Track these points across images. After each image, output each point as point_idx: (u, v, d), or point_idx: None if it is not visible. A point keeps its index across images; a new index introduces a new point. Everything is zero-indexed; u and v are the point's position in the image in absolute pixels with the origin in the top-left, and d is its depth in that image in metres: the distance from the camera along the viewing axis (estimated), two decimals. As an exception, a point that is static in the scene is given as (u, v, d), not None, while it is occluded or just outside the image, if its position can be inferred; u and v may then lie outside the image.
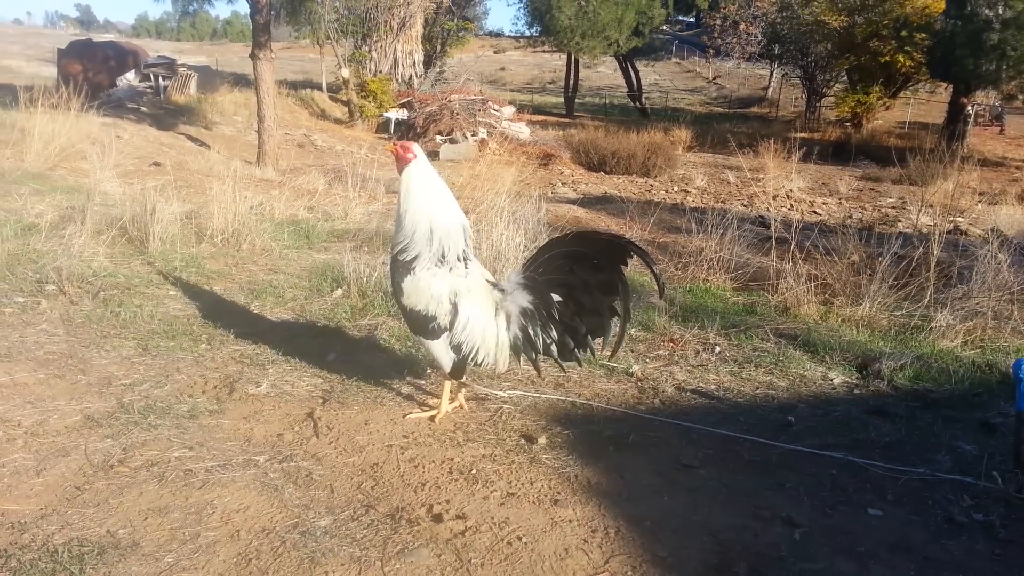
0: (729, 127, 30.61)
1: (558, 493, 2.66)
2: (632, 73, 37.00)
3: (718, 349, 4.49)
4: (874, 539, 2.46)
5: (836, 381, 4.09)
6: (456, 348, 3.12)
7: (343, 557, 2.24)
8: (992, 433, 3.46)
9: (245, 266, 5.66)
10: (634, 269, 6.25)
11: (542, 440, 3.06)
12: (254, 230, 6.22)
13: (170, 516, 2.42)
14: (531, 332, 3.15)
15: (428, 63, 30.27)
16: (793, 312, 5.51)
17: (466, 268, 3.15)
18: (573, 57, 34.20)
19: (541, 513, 2.52)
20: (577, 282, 3.09)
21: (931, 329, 5.09)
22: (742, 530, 2.48)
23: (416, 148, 3.21)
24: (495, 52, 56.57)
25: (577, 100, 36.42)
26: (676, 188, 17.31)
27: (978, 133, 29.04)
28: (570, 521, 2.48)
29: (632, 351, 4.39)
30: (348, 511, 2.50)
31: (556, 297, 3.12)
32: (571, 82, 35.50)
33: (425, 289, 3.07)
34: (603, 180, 18.12)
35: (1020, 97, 25.17)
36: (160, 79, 21.09)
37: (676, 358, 4.30)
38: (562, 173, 18.54)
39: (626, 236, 3.52)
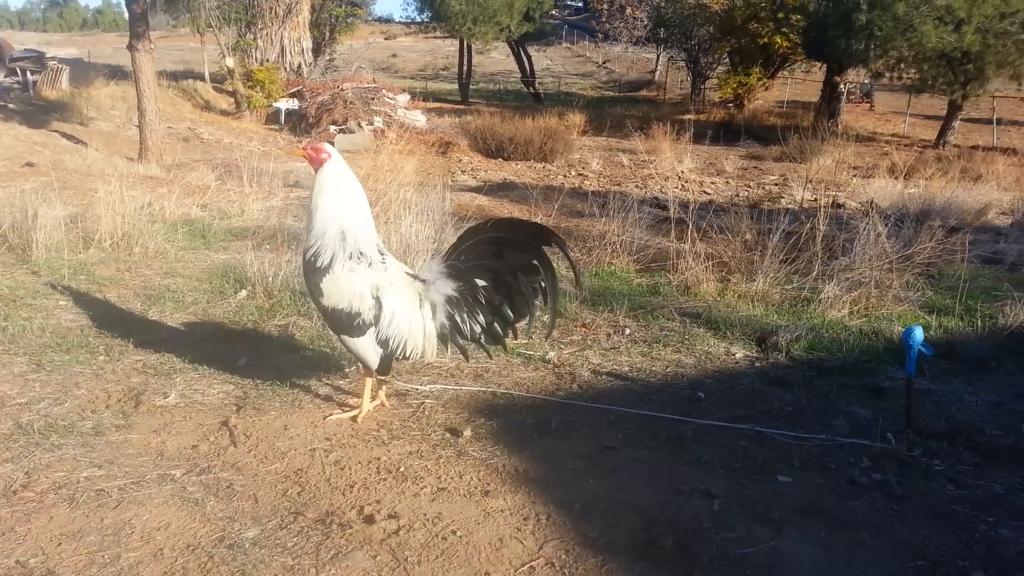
0: (621, 110, 31.34)
1: (488, 484, 2.70)
2: (524, 58, 37.20)
3: (628, 331, 4.63)
4: (786, 505, 2.62)
5: (738, 355, 4.29)
6: (383, 343, 3.10)
7: (275, 567, 2.21)
8: (882, 396, 3.71)
9: (139, 271, 5.41)
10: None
11: (467, 433, 3.09)
12: (145, 232, 5.95)
13: (86, 540, 2.31)
14: (458, 319, 3.17)
15: (317, 51, 29.49)
16: (694, 291, 5.72)
17: (383, 262, 3.13)
18: (465, 43, 34.07)
19: (473, 505, 2.55)
20: (501, 266, 3.13)
21: (820, 301, 5.40)
22: (665, 505, 2.58)
23: (328, 147, 3.16)
24: (385, 38, 55.73)
25: (471, 86, 36.34)
26: (574, 172, 17.58)
27: (850, 110, 30.70)
28: (502, 511, 2.52)
29: (546, 338, 4.46)
30: (275, 520, 2.46)
31: (481, 282, 3.15)
32: (464, 68, 35.37)
33: (346, 287, 3.04)
34: (502, 166, 18.21)
35: (887, 75, 26.69)
36: (28, 74, 19.73)
37: (589, 342, 4.41)
38: (460, 161, 18.52)
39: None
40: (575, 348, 4.28)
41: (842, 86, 28.94)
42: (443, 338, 3.20)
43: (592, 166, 18.40)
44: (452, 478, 2.74)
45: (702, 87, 34.41)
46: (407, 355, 3.16)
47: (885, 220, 7.26)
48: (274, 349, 4.04)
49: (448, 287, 3.17)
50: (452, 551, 2.29)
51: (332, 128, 21.44)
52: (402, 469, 2.79)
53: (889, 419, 3.36)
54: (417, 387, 3.59)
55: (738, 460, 2.95)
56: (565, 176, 17.08)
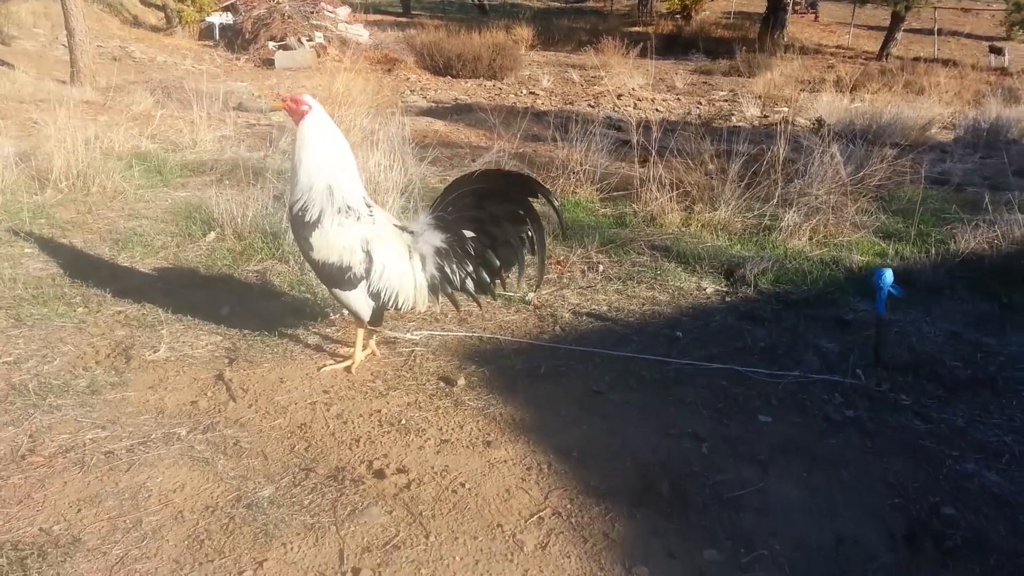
0: (568, 23, 30.70)
1: (488, 434, 2.81)
2: (468, -33, 35.88)
3: (601, 268, 4.74)
4: (768, 444, 2.80)
5: (709, 290, 4.45)
6: (375, 295, 3.15)
7: (296, 526, 2.30)
8: (847, 329, 3.92)
9: (100, 212, 5.28)
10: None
11: (461, 382, 3.18)
12: (101, 170, 5.76)
13: (104, 505, 2.37)
14: (448, 270, 3.22)
15: (250, -40, 27.93)
16: (659, 221, 5.84)
17: (371, 215, 3.14)
18: (405, -50, 32.67)
19: (477, 457, 2.67)
20: (486, 216, 3.16)
21: (780, 229, 5.57)
22: (657, 449, 2.74)
23: (309, 98, 3.11)
24: (320, -56, 52.87)
25: (413, -3, 35.02)
26: (525, 91, 17.34)
27: (796, 21, 30.61)
28: (505, 461, 2.65)
29: (535, 288, 4.54)
30: (288, 477, 2.54)
31: (469, 233, 3.19)
32: (406, -22, 33.97)
33: (336, 241, 3.05)
34: (451, 85, 17.85)
35: (835, -14, 26.63)
36: (-64, -14, 18.34)
37: (566, 280, 4.50)
38: (408, 79, 18.05)
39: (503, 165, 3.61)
40: (552, 288, 4.38)
41: (787, -3, 28.80)
42: (433, 289, 3.26)
43: (543, 83, 18.17)
44: (453, 429, 2.85)
45: (649, -2, 33.84)
46: (399, 306, 3.22)
47: (833, 139, 7.43)
48: (255, 296, 4.04)
49: (436, 238, 3.21)
50: (463, 504, 2.41)
51: (271, 44, 20.58)
52: (404, 421, 2.89)
53: (857, 353, 3.57)
54: (404, 335, 3.65)
55: (720, 400, 3.12)
56: (516, 95, 16.85)
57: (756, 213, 5.94)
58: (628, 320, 3.94)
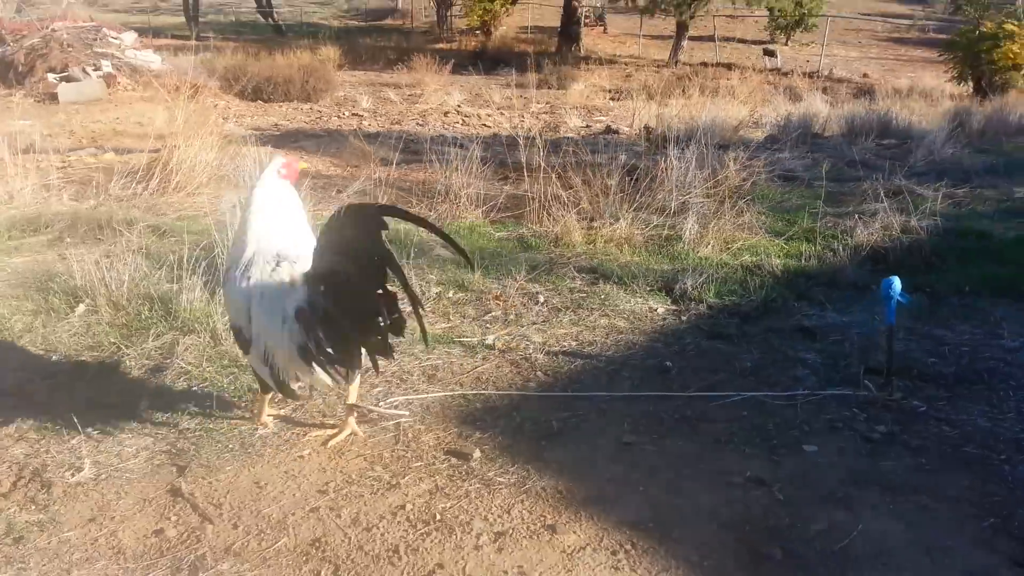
0: (372, 41, 30.25)
1: (544, 516, 2.42)
2: (258, -13, 34.41)
3: (542, 298, 4.44)
4: (834, 478, 2.64)
5: (660, 311, 4.29)
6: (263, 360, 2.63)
7: None
8: (814, 337, 3.89)
9: (-76, 294, 4.24)
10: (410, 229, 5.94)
11: (476, 454, 2.76)
12: (-93, 241, 4.66)
13: None
14: (311, 338, 2.53)
15: (9, -16, 25.11)
16: (564, 241, 5.65)
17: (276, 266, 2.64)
18: (184, -30, 30.74)
19: (547, 548, 2.27)
20: (351, 268, 2.49)
21: (683, 239, 5.56)
22: (732, 504, 2.48)
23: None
24: (82, -34, 48.60)
25: (201, 19, 33.04)
26: (347, 112, 16.73)
27: (587, 33, 32.03)
28: (583, 548, 2.27)
29: (466, 317, 4.16)
30: (332, 616, 2.02)
31: (321, 289, 2.54)
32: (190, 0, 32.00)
33: (228, 296, 2.67)
34: (266, 110, 16.87)
35: (622, -1, 28.14)
36: None
37: (512, 316, 4.17)
38: (216, 106, 16.80)
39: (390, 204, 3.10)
40: (504, 326, 4.02)
41: (579, 10, 30.10)
42: (306, 359, 2.57)
43: (363, 104, 17.65)
44: (500, 516, 2.43)
45: (448, 14, 34.06)
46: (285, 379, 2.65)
47: (663, 144, 7.64)
48: (170, 379, 3.34)
49: (299, 296, 2.57)
50: (567, 612, 2.03)
51: (50, 77, 18.42)
52: (438, 516, 2.43)
53: (841, 363, 3.53)
54: (377, 408, 3.14)
55: (755, 434, 2.93)
56: (339, 117, 16.19)
57: (653, 225, 5.91)
58: (606, 354, 3.67)
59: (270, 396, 2.92)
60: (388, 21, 38.56)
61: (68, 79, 18.59)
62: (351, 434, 2.89)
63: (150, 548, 2.29)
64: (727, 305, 4.33)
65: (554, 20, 31.85)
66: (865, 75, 24.93)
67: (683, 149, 7.06)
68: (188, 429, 2.94)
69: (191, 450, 2.80)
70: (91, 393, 3.19)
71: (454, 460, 2.75)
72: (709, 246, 5.45)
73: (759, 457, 2.76)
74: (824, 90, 19.55)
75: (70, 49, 19.53)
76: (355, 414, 2.95)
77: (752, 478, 2.62)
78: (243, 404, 3.14)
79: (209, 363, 3.51)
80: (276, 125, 14.82)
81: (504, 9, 32.09)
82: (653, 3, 26.95)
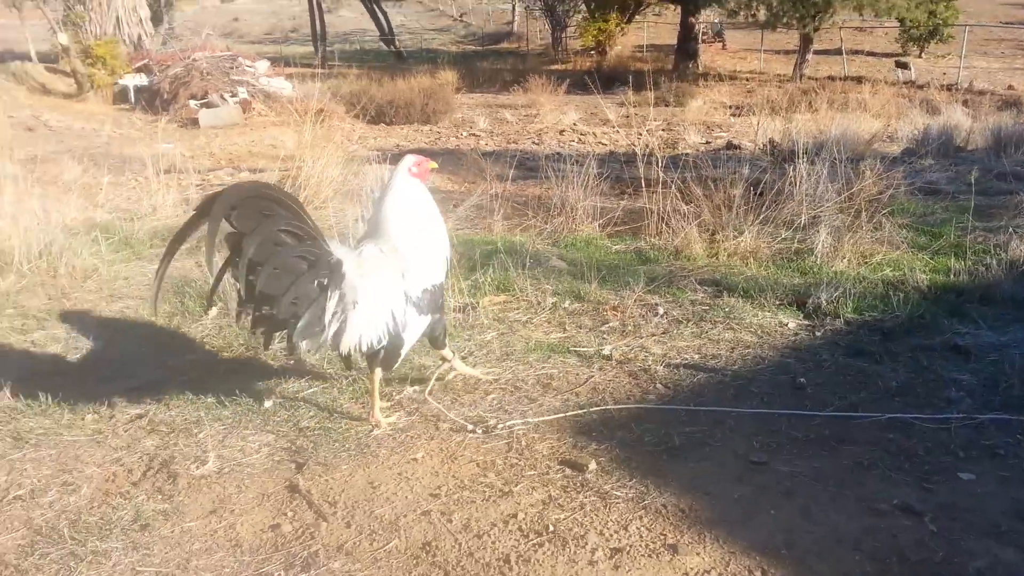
0: (489, 65, 30.75)
1: (664, 534, 2.27)
2: (380, 15, 35.70)
3: (661, 310, 4.27)
4: (996, 511, 2.36)
5: (792, 325, 4.03)
6: None
7: None
8: (968, 357, 3.54)
9: (76, 296, 4.52)
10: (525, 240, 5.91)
11: (592, 466, 2.63)
12: (66, 247, 4.99)
13: None
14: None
15: (156, 19, 27.10)
16: (685, 254, 5.46)
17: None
18: (315, 1, 32.24)
19: (669, 569, 2.13)
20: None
21: (815, 252, 5.25)
22: (876, 533, 2.25)
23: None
24: (223, 1, 52.14)
25: (327, 48, 34.60)
26: (465, 133, 17.03)
27: (705, 50, 31.44)
28: (707, 572, 2.11)
29: (582, 327, 4.04)
30: (444, 624, 1.94)
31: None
32: (318, 29, 33.55)
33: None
34: (388, 132, 17.42)
35: (741, 13, 27.42)
36: None
37: (631, 327, 4.02)
38: (343, 129, 17.46)
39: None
40: (622, 337, 3.88)
41: (697, 27, 29.59)
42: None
43: (480, 125, 17.91)
44: (616, 532, 2.29)
45: (562, 36, 34.23)
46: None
47: (789, 158, 7.25)
48: (294, 379, 3.39)
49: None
50: (693, 638, 1.87)
51: (192, 103, 19.71)
52: (551, 527, 2.32)
53: (1002, 384, 3.19)
54: (510, 423, 3.05)
55: (902, 459, 2.67)
56: (458, 137, 16.51)
57: (781, 238, 5.61)
58: (732, 368, 3.46)
59: (380, 381, 2.99)
60: (504, 44, 39.22)
61: (208, 105, 19.84)
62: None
63: (266, 542, 2.29)
64: (867, 321, 4.02)
65: (670, 38, 31.45)
66: (1010, 87, 23.21)
67: (812, 162, 6.72)
68: (308, 428, 2.96)
69: (310, 448, 2.81)
70: (220, 391, 3.27)
71: (568, 471, 2.63)
72: (844, 260, 5.13)
73: (908, 483, 2.51)
74: (964, 103, 18.32)
75: (209, 77, 20.84)
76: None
77: (900, 506, 2.37)
78: (361, 406, 3.14)
79: (331, 365, 3.54)
80: (397, 146, 15.25)
81: (619, 29, 31.95)
82: (775, 16, 26.06)
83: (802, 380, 3.30)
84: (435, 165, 3.09)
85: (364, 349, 2.79)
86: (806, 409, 3.04)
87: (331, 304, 2.64)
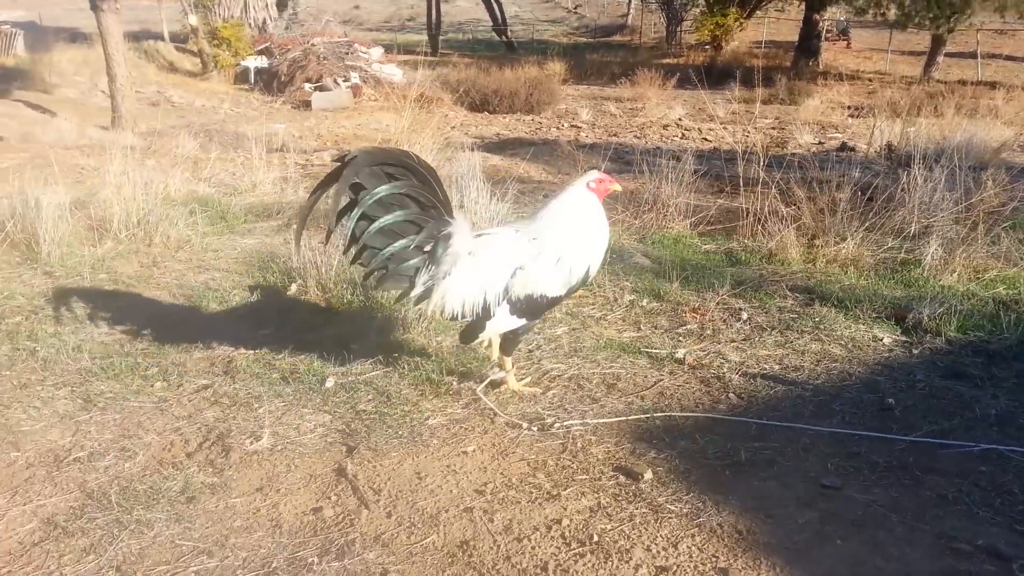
0: (598, 57, 30.42)
1: (715, 556, 2.12)
2: (495, 6, 35.88)
3: (745, 315, 4.05)
4: (1100, 563, 2.09)
5: (887, 341, 3.74)
6: None
7: None
8: (1083, 389, 3.19)
9: (166, 265, 4.69)
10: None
11: (648, 475, 2.50)
12: (163, 217, 5.19)
13: None
14: None
15: (281, 5, 28.14)
16: (779, 258, 5.18)
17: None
18: (432, -10, 32.70)
19: (717, 593, 1.98)
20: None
21: (923, 264, 4.89)
22: (955, 575, 2.03)
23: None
24: (345, -11, 53.63)
25: (441, 37, 35.07)
26: (566, 124, 16.87)
27: (828, 48, 30.08)
28: (759, 600, 1.95)
29: (657, 328, 3.88)
30: (470, 628, 1.86)
31: None
32: (433, 18, 34.04)
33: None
34: (491, 121, 17.46)
35: (870, 11, 26.06)
36: (-23, 41, 18.46)
37: (709, 331, 3.83)
38: (446, 116, 17.66)
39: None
40: (699, 342, 3.70)
41: (821, 24, 28.34)
42: None
43: (582, 116, 17.72)
44: (665, 548, 2.16)
45: (678, 30, 33.45)
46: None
47: (905, 163, 6.76)
48: (360, 363, 3.39)
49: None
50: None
51: (307, 86, 20.36)
52: (595, 537, 2.20)
53: (1121, 422, 2.85)
54: (567, 422, 2.95)
55: (991, 494, 2.41)
56: (559, 128, 16.37)
57: (887, 247, 5.25)
58: (813, 383, 3.24)
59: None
60: (617, 37, 38.74)
61: (321, 88, 20.47)
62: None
63: (305, 525, 2.28)
64: (972, 341, 3.70)
65: (792, 35, 30.28)
66: None
67: (930, 168, 6.27)
68: (364, 411, 2.94)
69: (363, 432, 2.79)
70: (286, 367, 3.31)
71: (622, 478, 2.50)
72: (954, 274, 4.75)
73: (996, 523, 2.26)
74: (1115, 113, 16.83)
75: (325, 62, 21.48)
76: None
77: (986, 547, 2.14)
78: (422, 389, 3.10)
79: (397, 349, 3.53)
80: (498, 134, 15.28)
81: (738, 24, 30.97)
82: (906, 16, 24.58)
83: (890, 401, 3.04)
84: (619, 188, 3.08)
85: (445, 317, 2.90)
86: (891, 432, 2.80)
87: (425, 269, 2.80)
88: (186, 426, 2.82)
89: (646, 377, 3.29)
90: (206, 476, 2.50)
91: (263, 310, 4.00)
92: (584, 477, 2.51)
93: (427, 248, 2.80)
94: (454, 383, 3.18)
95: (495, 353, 3.19)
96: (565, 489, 2.44)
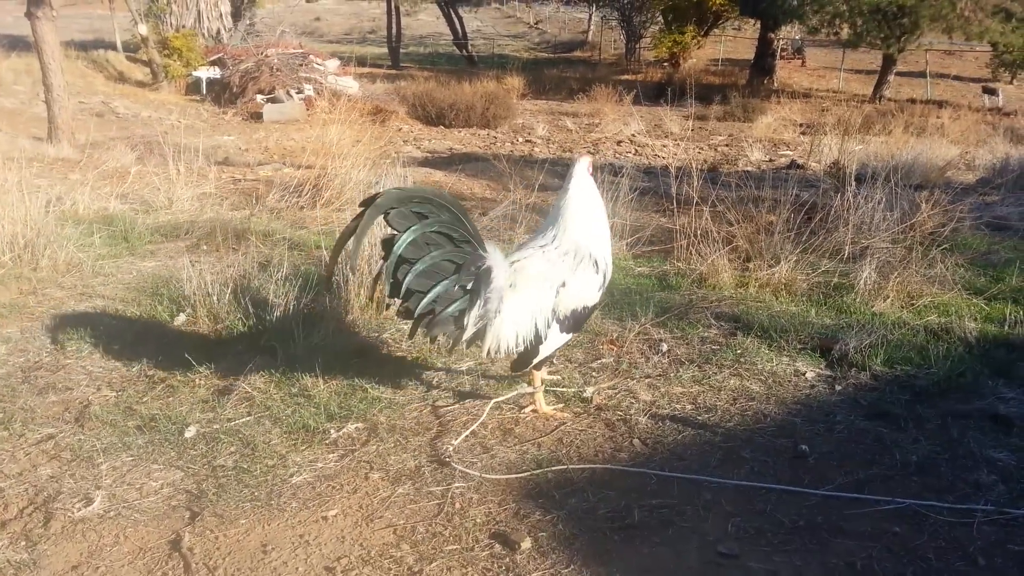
0: (558, 72, 30.42)
1: (586, 647, 1.84)
2: (456, 20, 35.78)
3: (665, 347, 3.81)
4: (1017, 649, 1.85)
5: (809, 375, 3.52)
6: None
7: None
8: (1010, 430, 2.98)
9: (47, 292, 4.32)
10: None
11: (526, 544, 2.21)
12: (54, 238, 4.81)
13: None
14: None
15: (236, 15, 27.68)
16: (710, 282, 4.97)
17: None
18: (393, 4, 32.48)
19: None
20: None
21: (856, 289, 4.70)
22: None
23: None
24: (307, 1, 53.21)
25: (401, 50, 34.80)
26: (521, 139, 16.72)
27: (783, 66, 30.45)
28: None
29: (571, 362, 3.62)
30: None
31: None
32: (394, 31, 33.79)
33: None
34: (445, 135, 17.25)
35: (823, 30, 26.38)
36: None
37: (625, 365, 3.57)
38: (400, 129, 17.42)
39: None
40: (612, 377, 3.44)
41: (776, 43, 28.67)
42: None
43: (538, 131, 17.60)
44: (532, 637, 1.87)
45: (636, 47, 33.64)
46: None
47: (852, 182, 6.65)
48: (230, 407, 3.07)
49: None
50: None
51: (259, 98, 19.97)
52: (454, 624, 1.91)
53: (1048, 470, 2.64)
54: (445, 480, 2.66)
55: (903, 561, 2.16)
56: (513, 143, 16.21)
57: (822, 270, 5.07)
58: (725, 425, 2.99)
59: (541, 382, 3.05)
60: (577, 53, 38.85)
61: (273, 100, 20.06)
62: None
63: (118, 613, 1.95)
64: (898, 376, 3.48)
65: (748, 53, 30.62)
66: (1107, 119, 21.67)
67: (871, 187, 6.13)
68: (223, 467, 2.62)
69: (213, 493, 2.46)
70: (147, 412, 2.98)
71: (498, 547, 2.21)
72: (887, 300, 4.56)
73: (910, 599, 2.01)
74: (1057, 134, 17.10)
75: (278, 73, 21.06)
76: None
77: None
78: (295, 439, 2.79)
79: (276, 389, 3.21)
80: (451, 149, 15.04)
81: (695, 41, 31.24)
82: (858, 36, 24.91)
83: (804, 447, 2.80)
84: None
85: (500, 355, 2.86)
86: (802, 485, 2.55)
87: (474, 309, 2.72)
88: (12, 487, 2.47)
89: (547, 420, 3.01)
90: (16, 552, 2.16)
91: (141, 344, 3.65)
92: (455, 547, 2.22)
93: (469, 286, 2.72)
94: (332, 431, 2.87)
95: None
96: (430, 563, 2.15)
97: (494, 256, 2.77)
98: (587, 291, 2.88)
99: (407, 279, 2.62)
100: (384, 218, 2.62)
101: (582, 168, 2.97)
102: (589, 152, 2.98)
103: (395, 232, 2.63)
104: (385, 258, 2.64)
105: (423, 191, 2.79)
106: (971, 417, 3.08)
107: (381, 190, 2.71)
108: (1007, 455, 2.78)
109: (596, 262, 2.87)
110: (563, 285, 2.84)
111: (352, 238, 2.60)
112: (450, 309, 2.70)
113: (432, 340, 2.93)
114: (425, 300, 2.65)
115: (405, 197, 2.67)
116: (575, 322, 2.91)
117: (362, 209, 2.60)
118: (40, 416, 2.93)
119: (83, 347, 3.62)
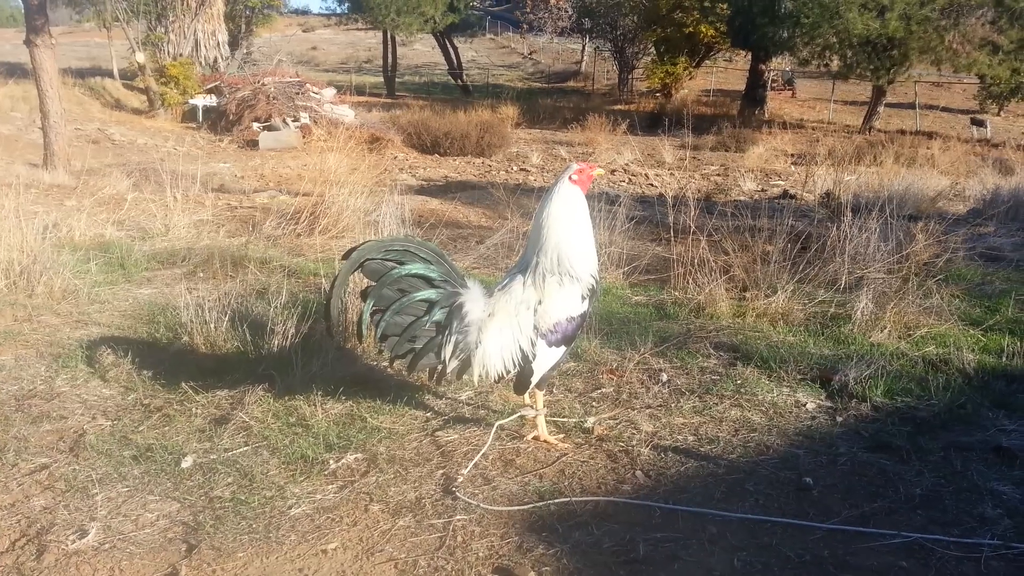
0: (551, 102, 30.70)
1: None
2: (451, 50, 36.16)
3: (665, 377, 3.79)
4: None
5: (810, 406, 3.50)
6: None
7: None
8: (1014, 462, 2.97)
9: (42, 319, 4.28)
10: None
11: (529, 577, 2.18)
12: (50, 265, 4.78)
13: None
14: None
15: (234, 44, 27.90)
16: (708, 312, 4.97)
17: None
18: (389, 34, 32.82)
19: None
20: None
21: (854, 320, 4.71)
22: None
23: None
24: (304, 31, 53.70)
25: (397, 79, 35.12)
26: (515, 168, 16.82)
27: (774, 97, 30.82)
28: None
29: (571, 391, 3.60)
30: None
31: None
32: (389, 61, 34.12)
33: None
34: (440, 163, 17.32)
35: (814, 62, 26.73)
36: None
37: (625, 395, 3.55)
38: (396, 158, 17.52)
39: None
40: (612, 407, 3.42)
41: (767, 74, 29.02)
42: None
43: (532, 160, 17.72)
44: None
45: (629, 77, 34.04)
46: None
47: (844, 212, 6.70)
48: (228, 436, 3.03)
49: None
50: None
51: (255, 126, 20.08)
52: (456, 663, 1.87)
53: (1054, 503, 2.62)
54: (447, 512, 2.64)
55: (913, 597, 2.14)
56: (507, 172, 16.30)
57: (818, 300, 5.08)
58: (728, 457, 2.97)
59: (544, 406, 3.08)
60: (570, 83, 39.23)
61: (269, 128, 20.16)
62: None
63: (113, 650, 1.90)
64: (899, 407, 3.47)
65: (739, 84, 30.99)
66: (1094, 150, 21.94)
67: (864, 217, 6.16)
68: (219, 498, 2.58)
69: (210, 525, 2.42)
70: (143, 442, 2.93)
71: (500, 582, 2.18)
72: (885, 331, 4.56)
73: (918, 636, 1.99)
74: (1042, 164, 17.29)
75: (275, 101, 21.19)
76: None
77: (903, 670, 1.86)
78: (293, 469, 2.76)
79: (274, 419, 3.18)
80: (446, 177, 15.10)
81: (687, 72, 31.65)
82: (848, 67, 25.27)
83: (808, 480, 2.77)
84: (601, 171, 3.07)
85: (492, 379, 2.92)
86: (807, 518, 2.53)
87: (450, 343, 2.83)
88: (4, 518, 2.43)
89: (548, 451, 2.98)
90: (7, 586, 2.11)
91: (137, 372, 3.61)
92: (455, 582, 2.18)
93: (442, 321, 2.83)
94: (331, 462, 2.83)
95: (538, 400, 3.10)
96: (431, 599, 2.11)
97: (473, 291, 2.88)
98: (567, 303, 2.88)
99: (381, 325, 2.79)
100: (360, 271, 2.80)
101: (567, 176, 2.95)
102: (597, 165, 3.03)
103: (370, 284, 2.81)
104: (366, 308, 2.78)
105: (397, 241, 2.94)
106: (973, 449, 3.07)
107: (357, 243, 2.88)
108: (1011, 488, 2.77)
109: (574, 275, 2.87)
110: (539, 303, 2.87)
111: (333, 290, 2.80)
112: (425, 345, 2.82)
113: (421, 374, 3.02)
114: (399, 340, 2.81)
115: (380, 248, 2.83)
116: (563, 335, 2.91)
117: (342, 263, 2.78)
118: (34, 445, 2.88)
119: (78, 375, 3.58)
